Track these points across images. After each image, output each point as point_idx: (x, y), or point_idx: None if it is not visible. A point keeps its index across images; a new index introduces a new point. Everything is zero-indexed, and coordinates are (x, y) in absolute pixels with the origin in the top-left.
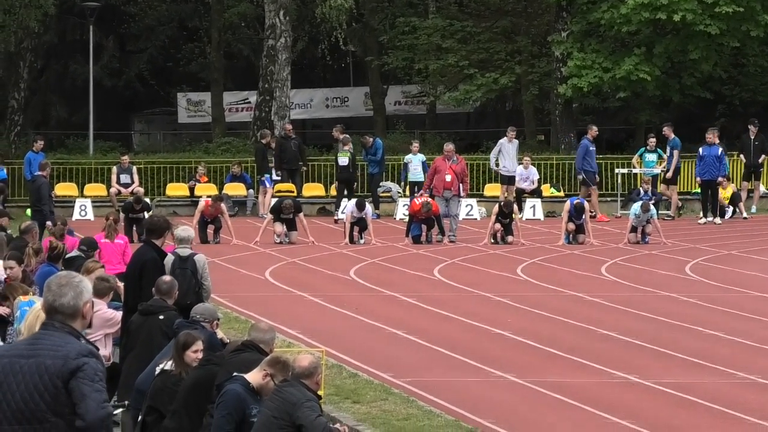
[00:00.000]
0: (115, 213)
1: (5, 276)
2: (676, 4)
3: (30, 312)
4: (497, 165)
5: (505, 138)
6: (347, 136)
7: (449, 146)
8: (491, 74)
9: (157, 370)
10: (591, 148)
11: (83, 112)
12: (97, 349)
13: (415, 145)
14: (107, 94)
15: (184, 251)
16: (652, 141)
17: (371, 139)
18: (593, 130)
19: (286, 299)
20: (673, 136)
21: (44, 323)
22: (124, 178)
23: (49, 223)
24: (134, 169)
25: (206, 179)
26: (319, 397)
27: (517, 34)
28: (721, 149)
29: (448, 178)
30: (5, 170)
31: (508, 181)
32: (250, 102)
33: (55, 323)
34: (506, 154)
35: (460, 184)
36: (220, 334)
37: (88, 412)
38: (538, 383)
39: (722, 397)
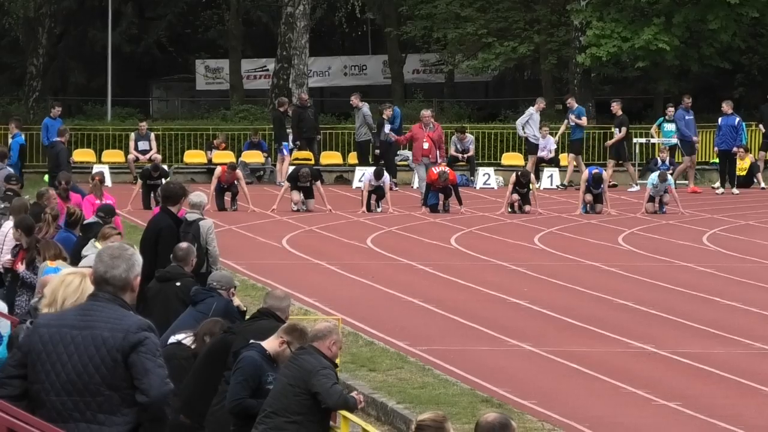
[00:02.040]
0: (100, 173)
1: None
2: None
3: (55, 277)
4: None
5: (533, 107)
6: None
7: (426, 112)
8: (510, 43)
9: (172, 339)
10: (687, 117)
11: (101, 79)
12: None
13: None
14: (126, 60)
15: (192, 216)
16: (671, 111)
17: (390, 108)
18: (686, 101)
19: (303, 267)
20: (576, 105)
21: (93, 294)
22: (142, 145)
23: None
24: (152, 135)
25: (225, 146)
26: (336, 365)
27: (536, 2)
28: (738, 119)
29: (426, 145)
30: (23, 136)
31: (535, 149)
32: (268, 69)
33: (106, 294)
34: (534, 124)
35: (437, 151)
36: (236, 301)
37: (152, 387)
38: (553, 352)
39: (738, 367)
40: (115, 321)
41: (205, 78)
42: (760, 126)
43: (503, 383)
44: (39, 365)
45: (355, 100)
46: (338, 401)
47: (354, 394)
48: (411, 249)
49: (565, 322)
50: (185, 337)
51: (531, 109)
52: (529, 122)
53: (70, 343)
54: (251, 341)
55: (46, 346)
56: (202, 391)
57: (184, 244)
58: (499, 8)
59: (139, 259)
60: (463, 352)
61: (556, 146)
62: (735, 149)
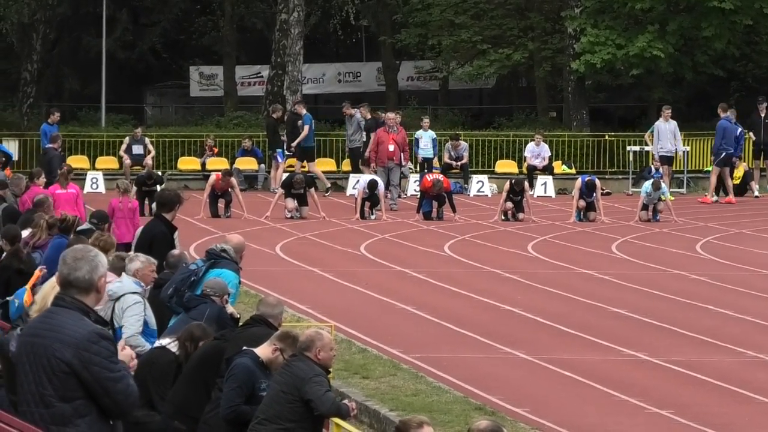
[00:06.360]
0: (68, 165)
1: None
2: None
3: (46, 284)
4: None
5: (661, 119)
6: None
7: (391, 115)
8: (504, 50)
9: (158, 342)
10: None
11: (96, 85)
12: (106, 324)
13: (426, 122)
14: (120, 66)
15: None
16: (668, 115)
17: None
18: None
19: (297, 274)
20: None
21: (57, 297)
22: (137, 149)
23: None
24: (147, 140)
25: (217, 150)
26: (328, 372)
27: (530, 10)
28: (740, 129)
29: (391, 148)
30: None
31: (667, 161)
32: (262, 76)
33: (66, 298)
34: (663, 135)
35: (402, 154)
36: (229, 308)
37: (117, 405)
38: (547, 360)
39: (731, 375)
40: (66, 331)
41: (199, 84)
42: (751, 134)
43: (496, 391)
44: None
45: (347, 110)
46: (331, 408)
47: (346, 401)
48: (404, 256)
49: (559, 329)
50: (170, 342)
51: (657, 122)
52: (658, 134)
53: (30, 353)
54: (244, 348)
55: (20, 357)
56: (195, 398)
57: (176, 251)
58: (494, 15)
59: (102, 260)
60: (457, 359)
61: (550, 154)
62: (735, 159)
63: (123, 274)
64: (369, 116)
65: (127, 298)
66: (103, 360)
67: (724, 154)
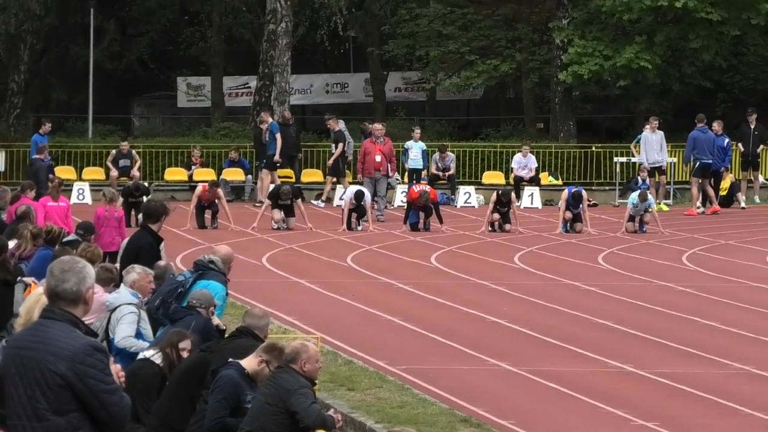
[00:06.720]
0: (58, 177)
1: None
2: None
3: (31, 296)
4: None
5: (647, 129)
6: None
7: (378, 125)
8: (492, 61)
9: (141, 354)
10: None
11: (83, 96)
12: (96, 336)
13: (417, 132)
14: (107, 77)
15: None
16: (655, 124)
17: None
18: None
19: (283, 285)
20: (271, 120)
21: (45, 309)
22: (123, 162)
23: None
24: (134, 152)
25: (202, 160)
26: (314, 384)
27: (518, 21)
28: (727, 140)
29: (378, 158)
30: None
31: (654, 173)
32: (250, 87)
33: (56, 310)
34: (649, 145)
35: (389, 165)
36: (215, 320)
37: (112, 417)
38: (533, 372)
39: (716, 387)
40: (58, 343)
41: (186, 95)
42: (739, 145)
43: (482, 403)
44: (4, 389)
45: (331, 123)
46: (316, 420)
47: (332, 413)
48: (391, 267)
49: (545, 341)
50: (153, 354)
51: (644, 133)
52: (645, 145)
53: (20, 366)
54: (230, 360)
55: (9, 370)
56: (180, 410)
57: (162, 263)
58: (481, 26)
59: (90, 272)
60: (442, 371)
61: (537, 165)
62: (722, 170)
63: (122, 285)
64: (337, 128)
65: (122, 309)
66: (99, 372)
67: (698, 163)
